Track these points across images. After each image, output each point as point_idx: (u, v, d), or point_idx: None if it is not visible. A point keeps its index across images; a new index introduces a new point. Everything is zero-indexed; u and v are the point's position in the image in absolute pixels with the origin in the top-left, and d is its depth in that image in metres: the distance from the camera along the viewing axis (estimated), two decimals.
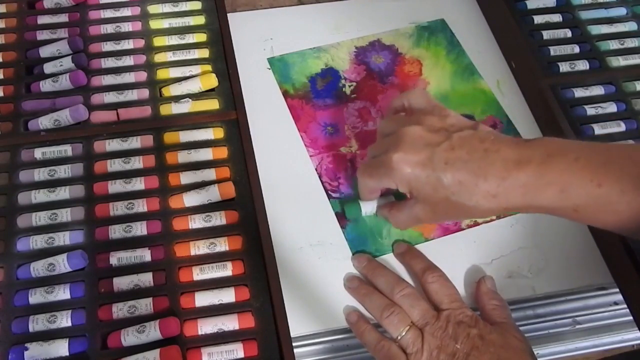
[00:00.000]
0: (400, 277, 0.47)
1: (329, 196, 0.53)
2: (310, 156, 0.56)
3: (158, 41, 0.58)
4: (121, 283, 0.45)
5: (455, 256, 0.51)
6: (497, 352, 0.41)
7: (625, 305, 0.49)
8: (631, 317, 0.48)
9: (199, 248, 0.47)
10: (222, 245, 0.47)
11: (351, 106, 0.59)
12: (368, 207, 0.50)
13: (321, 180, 0.54)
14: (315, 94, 0.59)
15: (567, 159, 0.38)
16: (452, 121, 0.43)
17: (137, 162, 0.51)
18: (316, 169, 0.55)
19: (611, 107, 0.57)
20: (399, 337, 0.43)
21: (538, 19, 0.62)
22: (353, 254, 0.50)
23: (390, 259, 0.50)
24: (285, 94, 0.59)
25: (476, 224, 0.52)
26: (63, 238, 0.47)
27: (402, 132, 0.43)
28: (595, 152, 0.39)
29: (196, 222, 0.48)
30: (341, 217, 0.52)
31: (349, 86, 0.60)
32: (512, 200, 0.39)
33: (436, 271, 0.47)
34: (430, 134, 0.42)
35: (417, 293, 0.45)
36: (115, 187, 0.49)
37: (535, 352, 0.48)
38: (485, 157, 0.40)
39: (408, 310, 0.44)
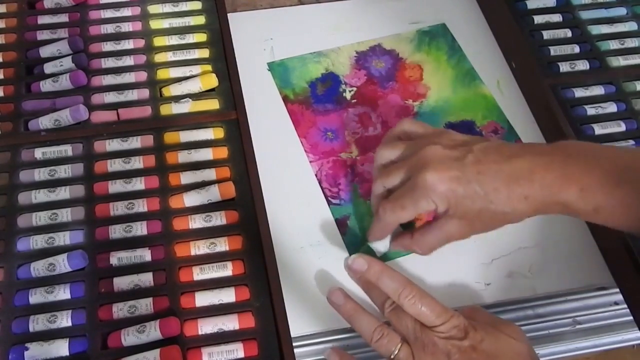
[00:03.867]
0: None
1: (329, 202, 0.53)
2: (310, 162, 0.55)
3: (158, 41, 0.58)
4: (121, 283, 0.45)
5: (455, 256, 0.50)
6: (494, 357, 0.41)
7: (625, 305, 0.49)
8: (631, 317, 0.48)
9: (199, 248, 0.47)
10: (222, 245, 0.47)
11: (351, 111, 0.59)
12: (381, 246, 0.48)
13: (321, 186, 0.54)
14: (316, 99, 0.59)
15: (587, 159, 0.40)
16: (463, 137, 0.45)
17: (137, 162, 0.51)
18: (316, 175, 0.55)
19: (611, 107, 0.57)
20: (392, 357, 0.42)
21: (538, 19, 0.62)
22: (350, 256, 0.49)
23: (390, 264, 0.50)
24: (286, 99, 0.59)
25: None
26: (63, 238, 0.47)
27: (423, 153, 0.43)
28: (616, 155, 0.40)
29: (196, 222, 0.48)
30: (341, 223, 0.52)
31: (350, 91, 0.60)
32: (540, 199, 0.41)
33: (412, 289, 0.43)
34: (451, 151, 0.43)
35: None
36: (115, 187, 0.49)
37: (536, 352, 0.48)
38: (511, 163, 0.41)
39: (398, 325, 0.42)
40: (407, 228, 0.48)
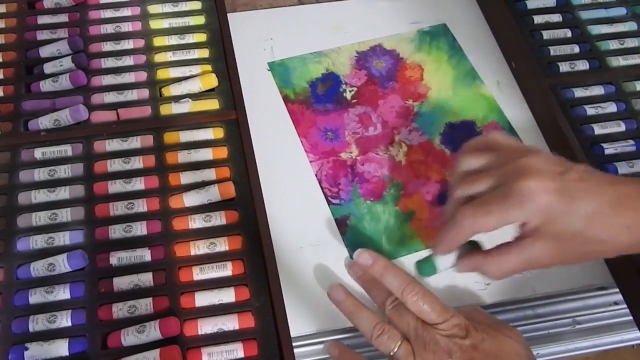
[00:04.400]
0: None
1: (329, 202, 0.53)
2: (310, 162, 0.55)
3: (158, 41, 0.58)
4: (121, 283, 0.45)
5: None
6: (494, 358, 0.41)
7: (625, 305, 0.49)
8: (631, 317, 0.48)
9: (199, 248, 0.47)
10: (222, 245, 0.47)
11: (352, 111, 0.59)
12: (445, 261, 0.43)
13: (321, 186, 0.54)
14: (316, 99, 0.59)
15: None
16: (556, 157, 0.41)
17: (137, 162, 0.51)
18: (316, 175, 0.55)
19: (611, 107, 0.57)
20: (391, 354, 0.42)
21: (538, 19, 0.62)
22: (352, 254, 0.50)
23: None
24: (286, 99, 0.59)
25: None
26: (63, 238, 0.47)
27: (522, 161, 0.39)
28: None
29: (196, 222, 0.48)
30: (341, 223, 0.52)
31: (350, 91, 0.60)
32: None
33: (415, 287, 0.42)
34: (552, 165, 0.39)
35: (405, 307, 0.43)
36: (115, 187, 0.49)
37: (535, 352, 0.48)
38: (614, 189, 0.38)
39: (399, 322, 0.42)
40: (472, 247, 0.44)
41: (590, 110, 0.56)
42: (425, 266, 0.44)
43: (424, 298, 0.42)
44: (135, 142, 0.52)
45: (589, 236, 0.38)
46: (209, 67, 0.56)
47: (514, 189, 0.38)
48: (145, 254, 0.46)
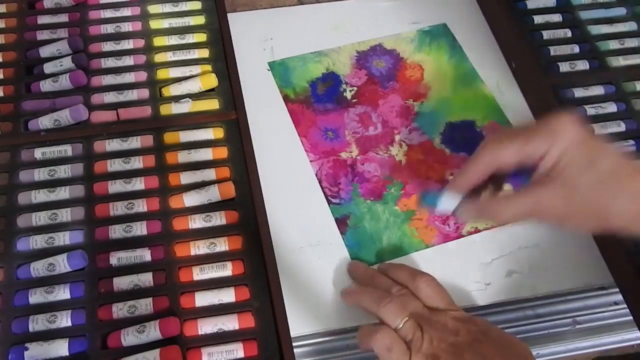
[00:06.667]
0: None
1: (329, 202, 0.53)
2: (311, 161, 0.55)
3: (158, 41, 0.58)
4: (121, 283, 0.45)
5: (455, 257, 0.51)
6: (501, 345, 0.40)
7: (625, 305, 0.49)
8: (631, 317, 0.48)
9: (199, 248, 0.47)
10: (222, 245, 0.47)
11: (352, 111, 0.59)
12: (449, 203, 0.43)
13: (321, 186, 0.54)
14: (316, 99, 0.59)
15: None
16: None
17: (137, 162, 0.51)
18: (316, 174, 0.55)
19: (611, 107, 0.57)
20: (397, 327, 0.41)
21: (538, 19, 0.62)
22: (352, 259, 0.50)
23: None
24: (286, 99, 0.59)
25: (477, 231, 0.52)
26: (63, 238, 0.47)
27: (561, 117, 0.39)
28: None
29: (196, 222, 0.48)
30: (341, 223, 0.52)
31: (350, 91, 0.60)
32: None
33: (425, 275, 0.45)
34: (591, 132, 0.40)
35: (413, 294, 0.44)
36: (115, 187, 0.49)
37: (535, 352, 0.48)
38: (638, 165, 0.38)
39: (406, 305, 0.43)
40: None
41: (591, 110, 0.56)
42: (428, 198, 0.43)
43: (436, 284, 0.44)
44: (135, 142, 0.52)
45: (600, 191, 0.37)
46: (209, 67, 0.56)
47: (545, 123, 0.38)
48: (145, 254, 0.46)
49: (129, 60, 0.56)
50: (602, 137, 0.39)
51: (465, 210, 0.43)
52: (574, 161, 0.37)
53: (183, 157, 0.51)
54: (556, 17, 0.62)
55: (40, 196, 0.48)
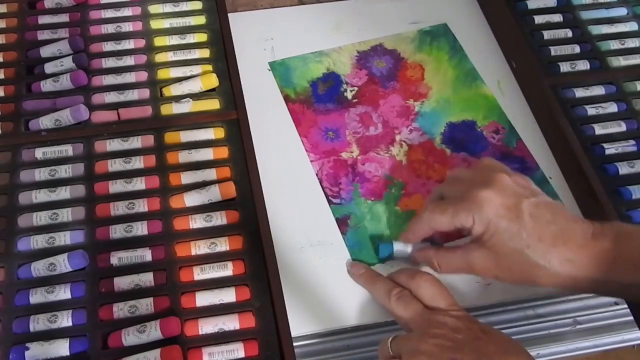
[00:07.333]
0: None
1: (330, 202, 0.53)
2: (311, 161, 0.55)
3: (159, 41, 0.58)
4: (122, 283, 0.45)
5: None
6: (502, 345, 0.41)
7: (625, 305, 0.49)
8: (631, 317, 0.48)
9: (199, 248, 0.47)
10: (222, 245, 0.47)
11: (352, 111, 0.59)
12: (401, 249, 0.48)
13: (322, 186, 0.54)
14: (317, 99, 0.59)
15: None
16: (533, 186, 0.45)
17: (137, 162, 0.51)
18: (317, 174, 0.55)
19: (612, 107, 0.57)
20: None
21: (539, 19, 0.62)
22: (352, 260, 0.50)
23: (389, 269, 0.50)
24: (287, 99, 0.59)
25: None
26: (64, 238, 0.47)
27: (493, 175, 0.43)
28: None
29: (197, 222, 0.48)
30: (341, 223, 0.52)
31: (351, 91, 0.60)
32: (584, 270, 0.40)
33: (426, 275, 0.45)
34: (517, 187, 0.43)
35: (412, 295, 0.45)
36: (116, 187, 0.49)
37: (536, 353, 0.48)
38: (567, 225, 0.41)
39: (405, 311, 0.43)
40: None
41: (591, 110, 0.56)
42: (384, 248, 0.48)
43: (437, 284, 0.44)
44: (136, 142, 0.52)
45: (527, 257, 0.41)
46: (209, 67, 0.56)
47: (470, 196, 0.42)
48: (146, 254, 0.46)
49: (129, 60, 0.56)
50: (534, 193, 0.43)
51: (415, 257, 0.48)
52: (500, 229, 0.41)
53: (184, 157, 0.51)
54: (557, 17, 0.62)
55: (41, 196, 0.49)
